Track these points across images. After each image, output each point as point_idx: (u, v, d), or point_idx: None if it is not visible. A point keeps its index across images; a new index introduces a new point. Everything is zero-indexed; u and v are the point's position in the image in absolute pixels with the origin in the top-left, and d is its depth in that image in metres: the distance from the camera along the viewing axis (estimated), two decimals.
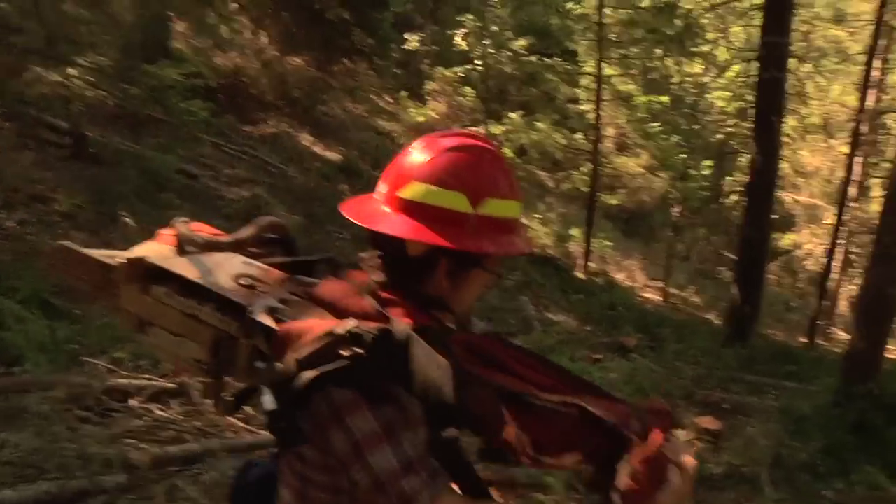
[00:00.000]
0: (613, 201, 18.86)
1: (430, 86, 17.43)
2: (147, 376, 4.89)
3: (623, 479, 1.23)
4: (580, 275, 14.63)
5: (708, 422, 5.51)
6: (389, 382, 1.24)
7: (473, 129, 17.12)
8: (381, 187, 1.42)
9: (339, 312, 1.32)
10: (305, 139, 15.21)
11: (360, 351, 1.22)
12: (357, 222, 1.39)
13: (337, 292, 1.38)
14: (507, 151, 17.13)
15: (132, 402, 4.59)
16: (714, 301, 15.55)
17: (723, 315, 11.85)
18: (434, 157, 1.37)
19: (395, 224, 1.35)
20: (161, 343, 1.55)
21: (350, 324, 1.24)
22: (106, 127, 9.96)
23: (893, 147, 15.19)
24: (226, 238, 1.63)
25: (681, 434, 5.55)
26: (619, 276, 16.62)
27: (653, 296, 15.85)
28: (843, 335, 16.04)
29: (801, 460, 4.69)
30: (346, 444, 1.24)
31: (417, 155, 1.39)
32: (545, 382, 1.31)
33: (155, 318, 1.53)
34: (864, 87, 13.81)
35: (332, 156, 14.85)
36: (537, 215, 17.59)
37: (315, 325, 1.29)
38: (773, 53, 9.04)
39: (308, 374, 1.23)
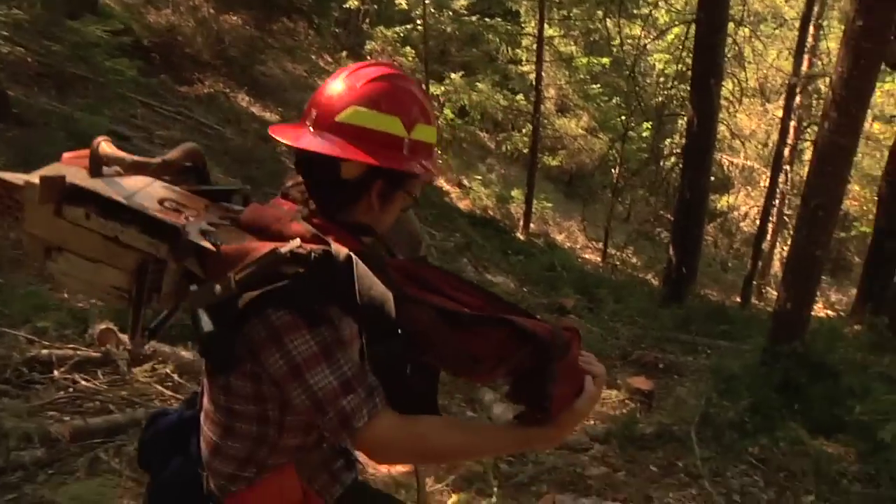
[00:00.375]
0: (554, 163, 18.97)
1: (370, 46, 17.13)
2: (72, 346, 4.72)
3: (552, 386, 1.29)
4: (520, 236, 14.70)
5: (640, 382, 5.61)
6: (327, 303, 1.29)
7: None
8: (312, 113, 1.45)
9: (271, 237, 1.33)
10: (243, 99, 14.87)
11: (302, 270, 1.25)
12: (294, 145, 1.42)
13: (268, 217, 1.39)
14: (448, 112, 17.04)
15: (55, 374, 4.43)
16: (652, 262, 15.79)
17: (660, 276, 12.06)
18: (366, 83, 1.42)
19: (336, 145, 1.39)
20: (73, 270, 1.45)
21: (293, 244, 1.26)
22: (30, 86, 9.54)
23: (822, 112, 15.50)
24: (153, 159, 1.57)
25: (613, 393, 5.65)
26: (560, 238, 16.76)
27: (592, 257, 16.03)
28: (776, 294, 16.51)
29: (728, 418, 4.80)
30: (285, 366, 1.28)
31: (348, 82, 1.43)
32: (475, 303, 1.38)
33: (68, 242, 1.43)
34: (798, 52, 14.04)
35: (271, 116, 14.55)
36: (478, 176, 17.57)
37: (256, 246, 1.30)
38: (711, 16, 9.08)
39: (250, 294, 1.24)
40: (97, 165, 1.48)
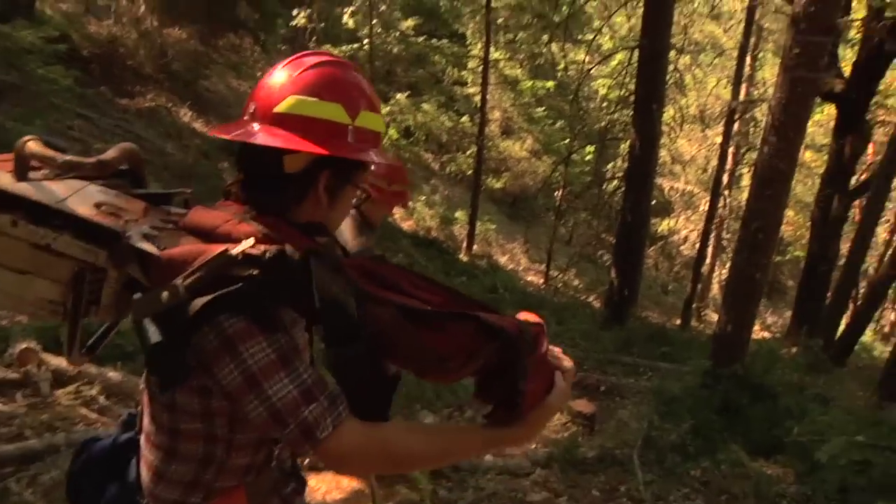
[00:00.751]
0: (498, 185, 19.05)
1: None
2: None
3: (523, 383, 1.25)
4: (463, 257, 14.67)
5: (582, 405, 5.56)
6: (281, 307, 1.22)
7: None
8: (251, 107, 1.36)
9: (219, 239, 1.23)
10: (185, 114, 14.59)
11: (256, 272, 1.16)
12: (233, 139, 1.33)
13: (214, 219, 1.28)
14: (393, 132, 17.00)
15: None
16: (594, 284, 15.92)
17: (602, 298, 12.14)
18: (304, 72, 1.33)
19: (277, 137, 1.29)
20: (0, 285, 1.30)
21: (245, 244, 1.17)
22: None
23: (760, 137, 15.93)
24: (87, 159, 1.43)
25: (555, 417, 5.59)
26: (503, 260, 16.78)
27: (535, 279, 16.08)
28: (715, 317, 16.81)
29: (670, 441, 4.79)
30: (240, 376, 1.17)
31: (286, 72, 1.35)
32: (437, 300, 1.30)
33: None
34: (736, 80, 14.44)
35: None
36: (422, 197, 17.53)
37: (205, 249, 1.20)
38: (653, 43, 9.23)
39: (201, 300, 1.14)
40: (23, 168, 1.35)
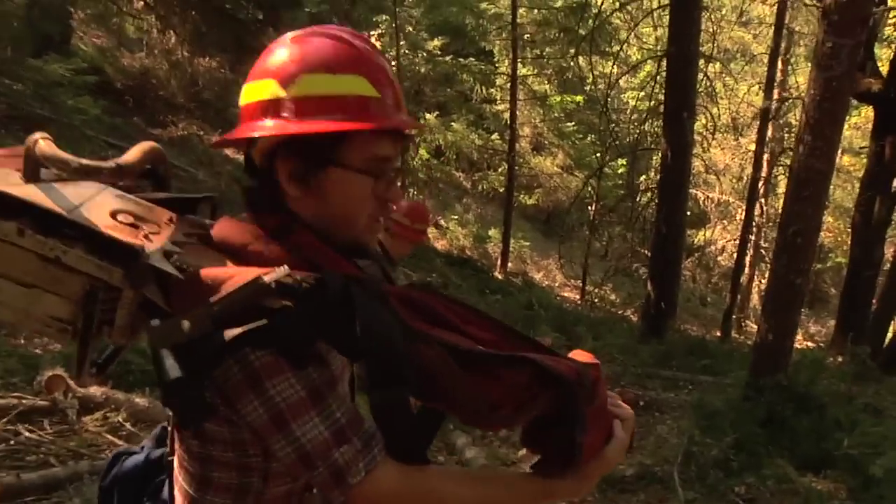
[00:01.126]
0: (530, 201, 18.92)
1: None
2: (17, 394, 4.45)
3: (583, 436, 1.13)
4: (498, 275, 14.56)
5: None
6: (316, 339, 1.07)
7: None
8: None
9: (248, 259, 1.11)
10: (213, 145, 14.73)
11: (291, 304, 1.03)
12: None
13: (244, 234, 1.15)
14: (424, 152, 16.99)
15: None
16: (631, 298, 15.69)
17: (639, 312, 11.92)
18: (257, 62, 1.19)
19: (228, 137, 1.18)
20: (3, 297, 1.14)
21: (279, 272, 1.03)
22: None
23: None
24: (105, 163, 1.26)
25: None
26: (538, 276, 16.63)
27: (571, 294, 15.89)
28: (756, 328, 16.43)
29: (712, 457, 4.59)
30: (266, 414, 1.05)
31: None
32: (489, 338, 1.17)
33: None
34: (768, 86, 14.17)
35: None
36: (454, 216, 17.47)
37: (234, 273, 1.06)
38: (682, 50, 9.09)
39: (231, 333, 1.01)
40: (34, 167, 1.20)
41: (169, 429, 1.35)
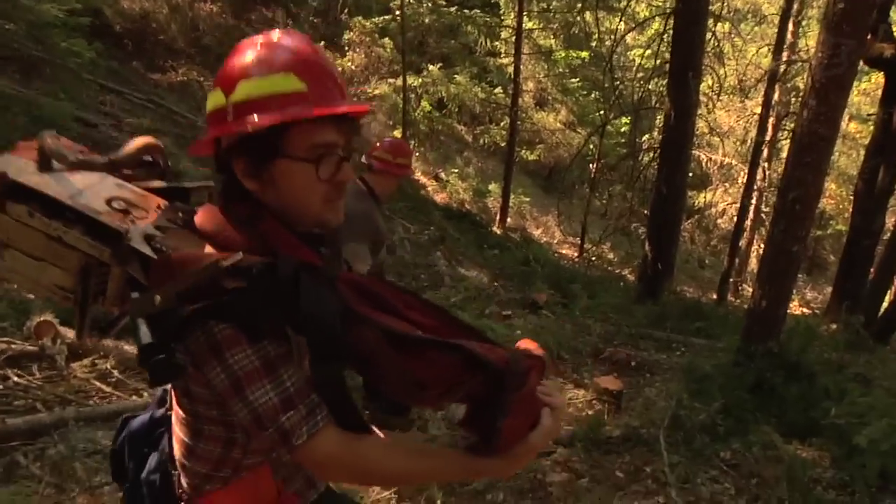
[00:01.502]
0: (532, 157, 18.78)
1: (348, 36, 16.83)
2: (6, 339, 4.44)
3: (502, 420, 1.24)
4: (496, 230, 14.51)
5: (609, 382, 5.38)
6: (273, 317, 1.23)
7: (390, 80, 16.73)
8: None
9: (221, 244, 1.29)
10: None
11: (245, 284, 1.21)
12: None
13: (217, 222, 1.33)
14: (426, 104, 16.80)
15: None
16: (629, 258, 15.66)
17: (636, 272, 11.88)
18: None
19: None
20: (18, 267, 1.41)
21: (235, 256, 1.21)
22: None
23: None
24: (99, 157, 1.51)
25: (581, 393, 5.45)
26: (537, 232, 16.59)
27: (569, 252, 15.87)
28: (752, 292, 16.45)
29: (699, 421, 4.58)
30: (226, 381, 1.24)
31: None
32: (429, 324, 1.33)
33: (13, 239, 1.39)
34: (777, 48, 13.93)
35: None
36: (455, 170, 17.36)
37: (198, 256, 1.25)
38: (690, 8, 8.89)
39: (190, 308, 1.20)
40: (46, 160, 1.43)
41: (169, 388, 1.53)
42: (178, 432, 1.47)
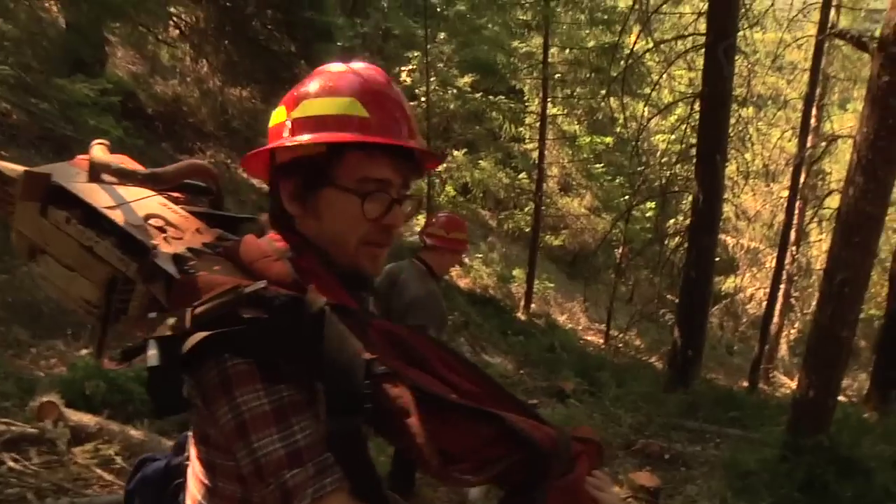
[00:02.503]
0: (557, 242, 18.65)
1: None
2: (6, 420, 4.22)
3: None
4: (521, 316, 14.27)
5: (645, 478, 5.01)
6: (292, 357, 1.07)
7: None
8: None
9: (253, 275, 1.16)
10: (243, 171, 14.74)
11: (265, 315, 1.06)
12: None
13: (254, 252, 1.21)
14: (450, 189, 16.83)
15: None
16: (656, 344, 15.30)
17: (664, 359, 11.53)
18: None
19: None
20: (50, 275, 1.38)
21: (258, 284, 1.08)
22: (28, 148, 9.31)
23: (830, 188, 15.25)
24: (141, 170, 1.44)
25: (618, 491, 5.08)
26: (561, 319, 16.30)
27: (595, 339, 15.52)
28: (785, 379, 15.92)
29: None
30: (232, 422, 1.07)
31: None
32: (468, 388, 1.19)
33: (49, 245, 1.34)
34: (802, 132, 13.84)
35: None
36: (479, 255, 17.25)
37: (222, 281, 1.12)
38: (715, 91, 8.84)
39: (201, 334, 1.05)
40: (95, 171, 1.39)
41: (189, 435, 1.36)
42: (192, 488, 1.29)
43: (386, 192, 1.22)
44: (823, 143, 13.87)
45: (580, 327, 16.29)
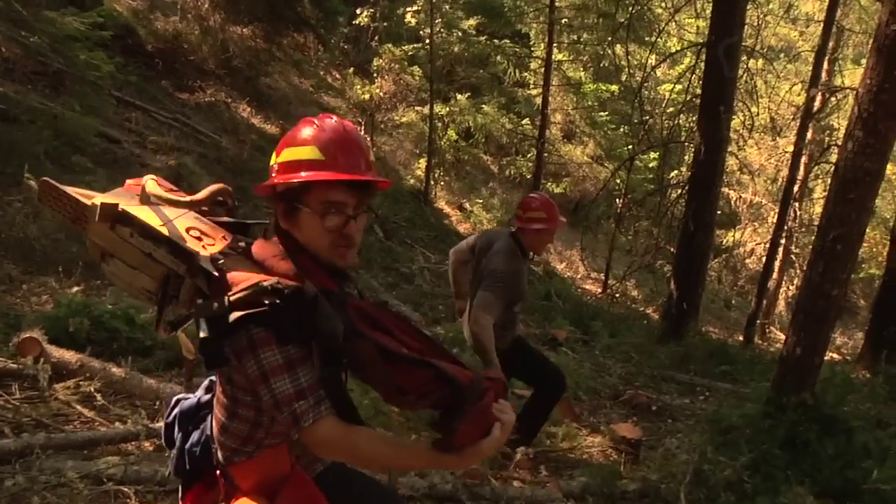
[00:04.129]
0: (558, 190, 18.49)
1: (377, 63, 16.77)
2: None
3: (458, 425, 1.61)
4: None
5: (627, 430, 5.02)
6: (296, 327, 1.64)
7: (418, 108, 16.61)
8: None
9: (266, 270, 1.72)
10: (244, 110, 14.68)
11: (278, 301, 1.62)
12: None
13: (266, 253, 1.77)
14: (452, 133, 16.62)
15: None
16: (653, 295, 15.27)
17: (660, 310, 11.50)
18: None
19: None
20: (119, 272, 1.90)
21: (272, 280, 1.64)
22: (24, 83, 9.18)
23: (838, 143, 15.02)
24: (185, 198, 2.00)
25: (596, 440, 5.10)
26: (560, 267, 16.25)
27: (593, 288, 15.48)
28: (781, 335, 15.93)
29: (724, 477, 4.15)
30: (257, 371, 1.65)
31: None
32: (416, 346, 1.75)
33: (117, 251, 1.86)
34: (811, 84, 13.55)
35: (271, 129, 14.26)
36: (480, 200, 17.12)
37: (249, 277, 1.67)
38: (722, 40, 8.61)
39: (237, 313, 1.61)
40: (145, 195, 1.96)
41: (214, 378, 1.97)
42: (217, 413, 1.88)
43: (342, 211, 1.76)
44: (828, 96, 13.57)
45: (578, 276, 16.24)
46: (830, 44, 13.99)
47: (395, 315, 1.81)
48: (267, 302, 1.60)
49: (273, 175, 1.76)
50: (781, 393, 4.68)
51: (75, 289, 5.76)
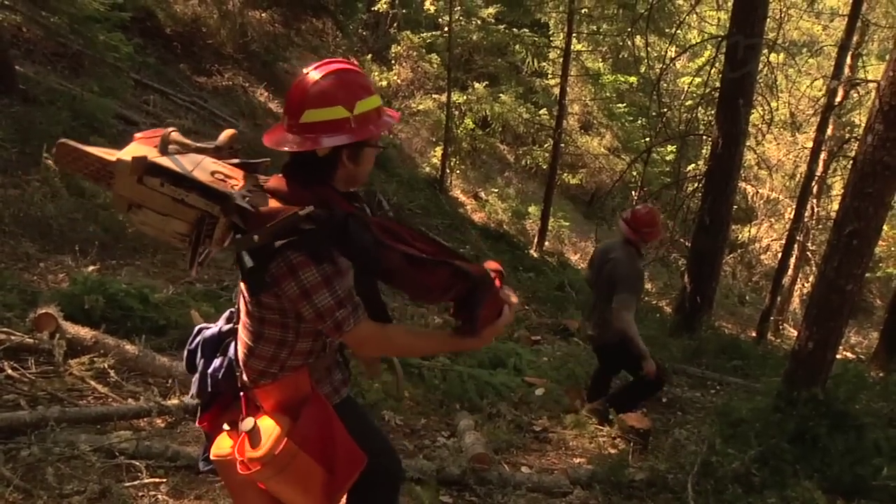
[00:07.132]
0: (574, 181, 18.44)
1: (395, 50, 16.73)
2: (6, 329, 4.25)
3: (479, 309, 1.94)
4: (533, 253, 14.20)
5: (636, 420, 5.02)
6: (330, 248, 1.85)
7: (435, 95, 16.57)
8: (285, 118, 1.99)
9: (287, 200, 1.91)
10: (261, 94, 14.71)
11: (314, 227, 1.83)
12: (285, 150, 1.96)
13: (286, 186, 1.96)
14: (469, 122, 16.58)
15: None
16: (667, 289, 15.22)
17: (673, 304, 11.45)
18: (313, 87, 1.93)
19: (306, 141, 1.93)
20: (148, 220, 1.99)
21: (308, 209, 1.83)
22: (44, 64, 9.24)
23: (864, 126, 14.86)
24: (209, 144, 2.13)
25: (605, 430, 5.11)
26: (574, 258, 16.23)
27: None
28: (794, 332, 15.84)
29: (732, 469, 4.14)
30: (297, 290, 1.86)
31: (301, 87, 1.95)
32: (429, 249, 1.93)
33: (146, 201, 1.95)
34: (833, 78, 13.39)
35: None
36: (495, 189, 17.10)
37: (283, 209, 1.86)
38: (743, 32, 8.52)
39: (279, 242, 1.82)
40: (165, 146, 2.02)
41: (235, 308, 2.20)
42: (243, 337, 2.08)
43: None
44: (849, 90, 13.39)
45: None
46: (854, 38, 13.79)
47: (404, 225, 1.99)
48: (305, 228, 1.80)
49: (352, 126, 1.92)
50: (792, 387, 4.66)
51: (91, 268, 5.80)
